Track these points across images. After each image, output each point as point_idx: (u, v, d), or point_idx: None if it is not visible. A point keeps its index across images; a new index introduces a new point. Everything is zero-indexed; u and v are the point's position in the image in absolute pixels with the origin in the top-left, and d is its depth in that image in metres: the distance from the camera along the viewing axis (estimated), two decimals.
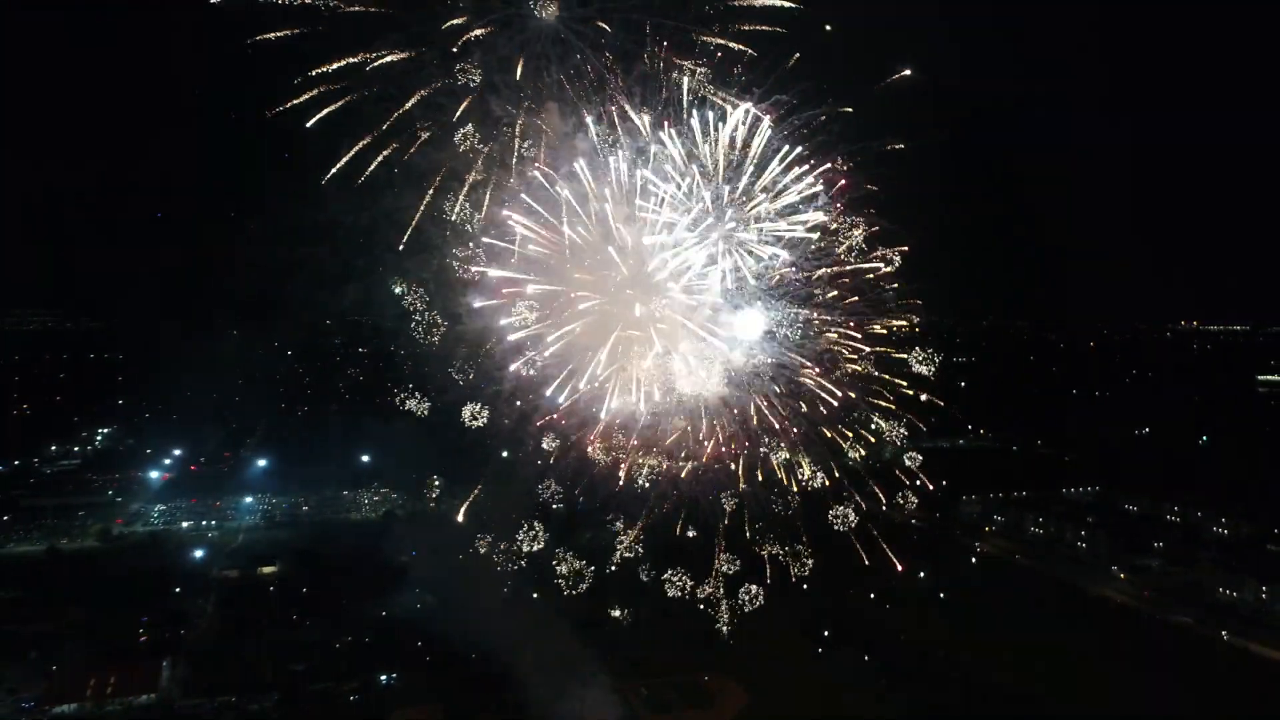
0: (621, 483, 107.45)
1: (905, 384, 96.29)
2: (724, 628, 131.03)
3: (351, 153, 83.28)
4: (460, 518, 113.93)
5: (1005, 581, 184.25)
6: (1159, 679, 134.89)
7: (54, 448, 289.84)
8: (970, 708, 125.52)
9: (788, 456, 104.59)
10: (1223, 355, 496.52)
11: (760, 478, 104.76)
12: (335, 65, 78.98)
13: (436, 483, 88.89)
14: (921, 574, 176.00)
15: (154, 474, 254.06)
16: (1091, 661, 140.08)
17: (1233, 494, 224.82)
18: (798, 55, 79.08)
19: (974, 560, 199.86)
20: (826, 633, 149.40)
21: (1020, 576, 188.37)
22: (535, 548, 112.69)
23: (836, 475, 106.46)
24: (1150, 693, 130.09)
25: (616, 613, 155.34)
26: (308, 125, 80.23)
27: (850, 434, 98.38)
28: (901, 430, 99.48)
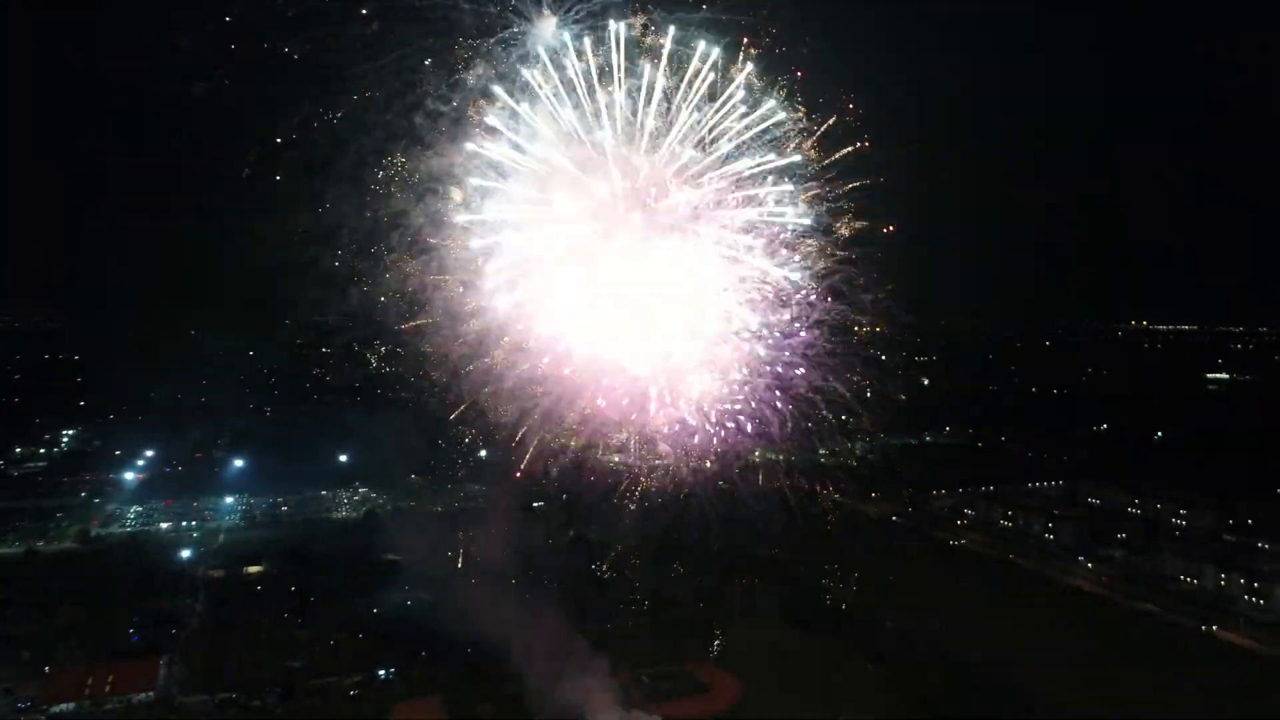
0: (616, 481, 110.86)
1: (879, 383, 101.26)
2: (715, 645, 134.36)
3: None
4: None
5: (980, 573, 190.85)
6: (1130, 663, 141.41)
7: (18, 450, 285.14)
8: (956, 691, 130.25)
9: (770, 455, 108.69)
10: (1172, 354, 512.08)
11: (745, 475, 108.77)
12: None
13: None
14: (900, 566, 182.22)
15: (128, 475, 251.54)
16: (1067, 647, 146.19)
17: (1189, 487, 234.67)
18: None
19: (949, 553, 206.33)
20: (814, 623, 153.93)
21: (994, 568, 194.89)
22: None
23: (814, 473, 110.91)
24: (1122, 676, 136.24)
25: (609, 606, 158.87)
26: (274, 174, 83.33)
27: (827, 432, 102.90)
28: (872, 428, 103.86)
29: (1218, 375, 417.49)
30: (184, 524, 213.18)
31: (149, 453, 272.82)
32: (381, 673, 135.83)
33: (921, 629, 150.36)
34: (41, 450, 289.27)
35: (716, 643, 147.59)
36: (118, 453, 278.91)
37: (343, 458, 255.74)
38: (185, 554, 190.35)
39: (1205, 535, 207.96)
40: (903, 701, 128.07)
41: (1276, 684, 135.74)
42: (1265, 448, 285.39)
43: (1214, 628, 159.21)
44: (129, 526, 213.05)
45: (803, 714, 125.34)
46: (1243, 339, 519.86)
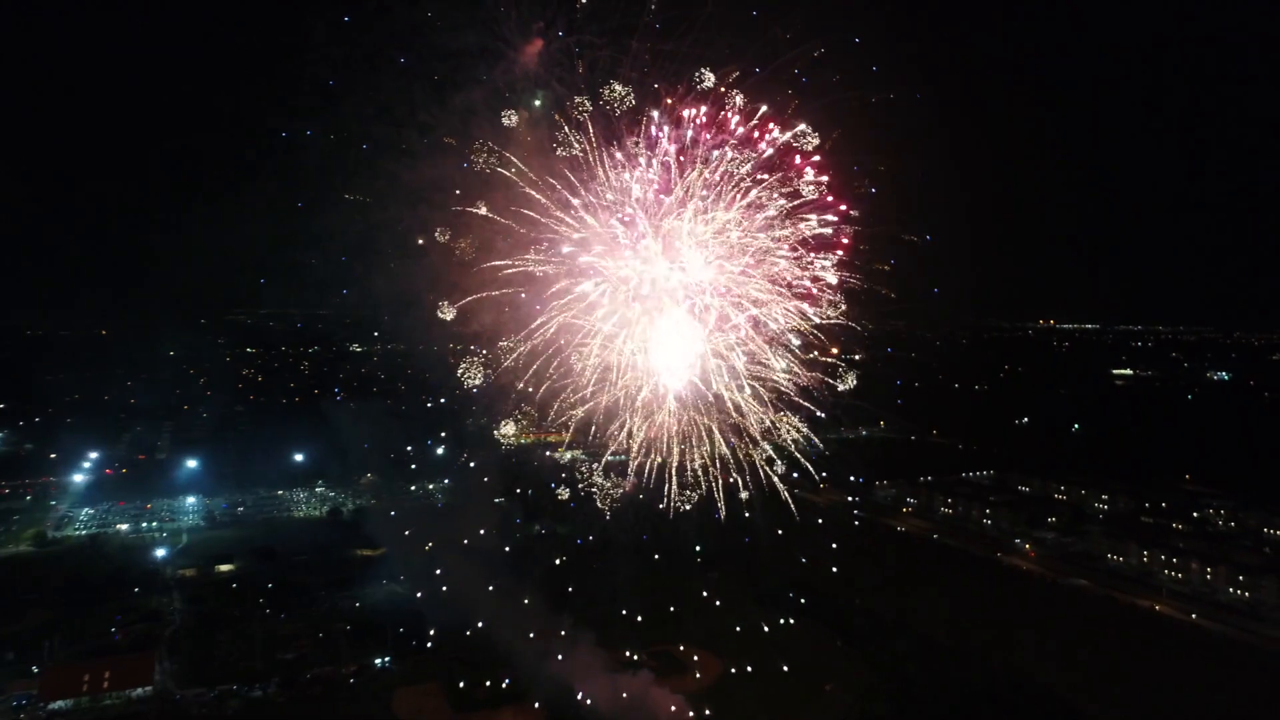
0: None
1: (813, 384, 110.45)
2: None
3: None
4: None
5: (929, 555, 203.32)
6: (1072, 631, 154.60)
7: None
8: (918, 662, 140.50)
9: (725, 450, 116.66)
10: (1079, 352, 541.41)
11: (706, 469, 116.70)
12: None
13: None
14: (856, 551, 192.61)
15: (76, 478, 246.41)
16: (1017, 619, 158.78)
17: (1106, 474, 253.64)
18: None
19: (898, 538, 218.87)
20: (783, 604, 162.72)
21: (940, 550, 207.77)
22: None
23: (767, 464, 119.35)
24: (1063, 643, 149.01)
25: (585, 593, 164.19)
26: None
27: (771, 428, 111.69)
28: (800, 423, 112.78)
29: (1123, 371, 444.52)
30: (143, 525, 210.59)
31: (91, 455, 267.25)
32: (378, 661, 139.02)
33: (884, 607, 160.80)
34: None
35: (695, 624, 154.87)
36: (53, 455, 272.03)
37: (298, 457, 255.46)
38: (150, 554, 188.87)
39: (1125, 517, 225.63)
40: (874, 670, 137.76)
41: (1199, 648, 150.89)
42: (1167, 437, 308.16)
43: (1139, 599, 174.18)
44: (84, 529, 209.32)
45: (782, 686, 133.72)
46: (1142, 337, 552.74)
